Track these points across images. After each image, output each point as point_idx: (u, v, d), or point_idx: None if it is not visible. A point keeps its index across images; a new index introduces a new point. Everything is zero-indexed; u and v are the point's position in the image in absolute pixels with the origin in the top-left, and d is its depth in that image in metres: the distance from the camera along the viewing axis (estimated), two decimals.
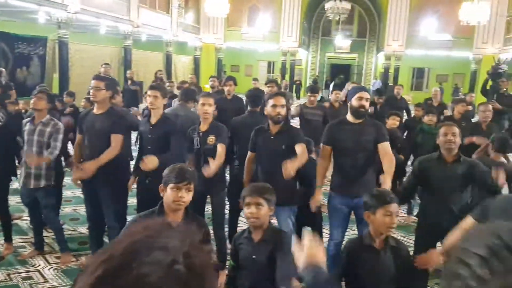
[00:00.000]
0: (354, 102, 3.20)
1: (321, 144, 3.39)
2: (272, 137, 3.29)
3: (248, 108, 4.32)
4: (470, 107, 6.56)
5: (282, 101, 3.25)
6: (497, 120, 6.55)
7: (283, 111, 3.23)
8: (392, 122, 4.94)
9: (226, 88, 5.15)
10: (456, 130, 3.12)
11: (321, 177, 3.37)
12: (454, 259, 0.62)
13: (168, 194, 2.19)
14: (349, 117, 3.28)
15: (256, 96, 4.30)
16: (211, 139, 3.50)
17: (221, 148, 3.46)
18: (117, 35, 15.72)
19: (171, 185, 2.18)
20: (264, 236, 2.24)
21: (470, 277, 0.57)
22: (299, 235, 3.92)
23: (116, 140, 3.47)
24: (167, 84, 8.83)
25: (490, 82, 8.73)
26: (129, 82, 10.07)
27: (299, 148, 3.21)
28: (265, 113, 3.33)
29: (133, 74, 10.79)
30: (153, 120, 3.55)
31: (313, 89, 5.84)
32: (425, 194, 3.31)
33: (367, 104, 3.24)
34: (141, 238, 0.59)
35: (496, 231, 0.60)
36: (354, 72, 26.33)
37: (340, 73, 24.92)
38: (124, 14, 14.97)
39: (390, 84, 18.74)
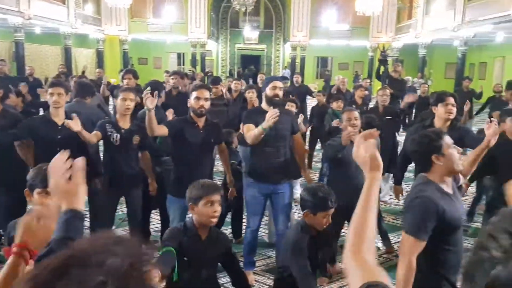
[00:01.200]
0: (268, 91, 3.26)
1: (245, 125, 3.32)
2: (201, 131, 3.23)
3: None
4: (366, 92, 7.05)
5: (206, 94, 3.20)
6: (394, 104, 7.17)
7: (206, 104, 3.18)
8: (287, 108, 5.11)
9: (124, 81, 4.82)
10: (357, 114, 3.38)
11: (258, 129, 3.09)
12: (484, 233, 0.70)
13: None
14: (265, 106, 3.33)
15: (154, 89, 4.15)
16: (136, 139, 3.39)
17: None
18: (7, 28, 14.23)
19: None
20: (210, 233, 2.23)
21: (496, 248, 0.65)
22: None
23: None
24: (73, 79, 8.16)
25: (382, 68, 9.46)
26: (31, 79, 9.08)
27: (223, 146, 3.39)
28: (188, 105, 3.24)
29: (33, 69, 9.77)
30: (59, 120, 3.30)
31: (215, 81, 5.84)
32: (336, 177, 3.50)
33: (281, 92, 3.32)
34: (79, 252, 0.54)
35: None
36: (264, 62, 26.92)
37: (250, 63, 25.38)
38: (13, 5, 13.58)
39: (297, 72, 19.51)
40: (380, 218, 4.02)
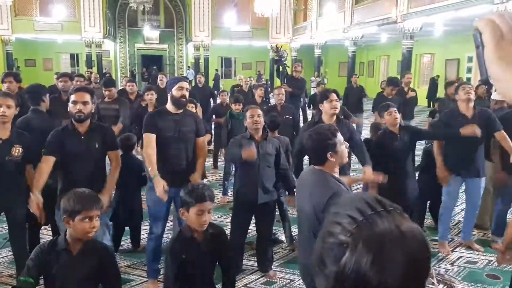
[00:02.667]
0: (175, 92, 3.17)
1: (144, 134, 3.19)
2: (82, 138, 2.96)
3: (31, 107, 3.74)
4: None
5: (85, 97, 2.93)
6: (294, 102, 7.43)
7: (86, 108, 2.91)
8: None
9: (5, 86, 4.31)
10: (260, 112, 3.44)
11: (153, 165, 3.11)
12: (327, 222, 0.72)
13: None
14: (170, 107, 3.22)
15: (35, 92, 3.75)
16: (16, 150, 2.97)
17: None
18: None
19: None
20: (83, 247, 2.02)
21: (341, 233, 0.67)
22: (119, 235, 3.84)
23: None
24: None
25: (281, 68, 9.82)
26: None
27: (114, 154, 3.15)
28: (68, 109, 2.96)
29: None
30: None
31: (108, 83, 5.48)
32: (240, 174, 3.52)
33: (187, 93, 3.25)
34: None
35: (363, 197, 0.73)
36: (167, 62, 26.29)
37: (152, 64, 24.58)
38: None
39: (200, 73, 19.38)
40: (285, 212, 4.12)
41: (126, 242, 4.10)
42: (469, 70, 16.49)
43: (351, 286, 0.65)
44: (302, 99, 9.92)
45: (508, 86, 0.62)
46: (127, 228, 4.04)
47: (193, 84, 11.02)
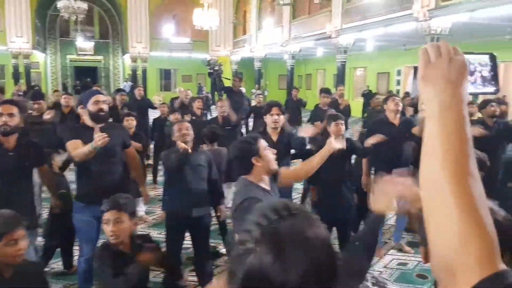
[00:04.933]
0: (91, 107, 3.03)
1: (68, 142, 3.01)
2: (10, 153, 2.76)
3: None
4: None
5: (12, 109, 2.76)
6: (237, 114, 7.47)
7: (11, 120, 2.74)
8: (127, 123, 4.91)
9: None
10: (188, 125, 3.42)
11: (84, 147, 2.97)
12: (238, 230, 0.81)
13: None
14: (89, 122, 3.06)
15: None
16: None
17: None
18: None
19: None
20: (16, 270, 1.86)
21: (250, 241, 0.72)
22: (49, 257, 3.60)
23: None
24: None
25: (217, 80, 9.87)
26: None
27: (43, 168, 3.02)
28: None
29: None
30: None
31: (35, 96, 5.26)
32: (172, 187, 3.45)
33: (105, 106, 3.11)
34: None
35: (272, 203, 0.78)
36: (102, 74, 25.36)
37: (86, 76, 23.59)
38: None
39: (139, 85, 18.91)
40: (224, 224, 4.09)
41: (58, 264, 3.86)
42: (398, 82, 17.58)
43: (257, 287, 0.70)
44: (244, 112, 10.01)
45: (425, 100, 0.71)
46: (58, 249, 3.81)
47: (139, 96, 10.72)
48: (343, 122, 3.97)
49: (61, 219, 3.62)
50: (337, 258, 0.75)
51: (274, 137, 3.72)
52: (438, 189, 0.63)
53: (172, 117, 5.51)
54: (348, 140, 4.08)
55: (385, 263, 4.13)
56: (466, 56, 0.75)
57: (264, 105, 4.31)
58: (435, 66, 0.71)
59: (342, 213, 3.80)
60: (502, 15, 8.16)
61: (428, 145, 0.67)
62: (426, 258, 0.98)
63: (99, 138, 2.72)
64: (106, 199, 2.23)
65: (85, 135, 2.99)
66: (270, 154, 2.24)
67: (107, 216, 2.15)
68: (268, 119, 3.70)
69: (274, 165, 2.25)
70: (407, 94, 13.16)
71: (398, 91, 16.17)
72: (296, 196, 5.59)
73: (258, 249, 0.70)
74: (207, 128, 4.25)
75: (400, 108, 4.28)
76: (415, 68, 16.12)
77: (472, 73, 0.79)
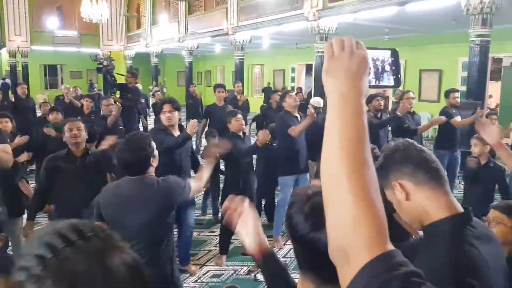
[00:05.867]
0: None
1: None
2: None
3: None
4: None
5: None
6: (128, 113, 7.07)
7: None
8: (1, 125, 4.40)
9: None
10: (81, 125, 3.13)
11: None
12: (14, 269, 0.59)
13: None
14: None
15: None
16: None
17: None
18: None
19: None
20: None
21: (27, 279, 0.56)
22: None
23: None
24: None
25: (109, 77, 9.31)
26: None
27: None
28: None
29: None
30: None
31: None
32: (59, 195, 3.12)
33: None
34: None
35: (57, 227, 0.61)
36: None
37: None
38: None
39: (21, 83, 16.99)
40: None
41: None
42: (292, 79, 18.41)
43: None
44: (142, 109, 9.60)
45: (327, 91, 0.74)
46: None
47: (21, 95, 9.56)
48: (242, 117, 4.16)
49: None
50: (149, 282, 0.64)
51: (176, 134, 3.67)
52: (335, 176, 0.66)
53: (51, 117, 5.02)
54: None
55: (284, 253, 4.27)
56: (370, 51, 0.78)
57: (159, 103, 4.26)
58: (337, 59, 0.74)
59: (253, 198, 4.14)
60: (381, 17, 8.97)
61: (327, 134, 0.70)
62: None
63: None
64: None
65: None
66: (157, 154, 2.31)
67: None
68: (162, 117, 3.65)
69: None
70: (299, 89, 13.86)
71: (293, 88, 16.93)
72: None
73: None
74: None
75: (298, 102, 4.58)
76: (307, 66, 17.05)
77: (375, 67, 0.81)
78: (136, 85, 8.77)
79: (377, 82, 0.82)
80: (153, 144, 2.25)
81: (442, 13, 8.33)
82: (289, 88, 16.54)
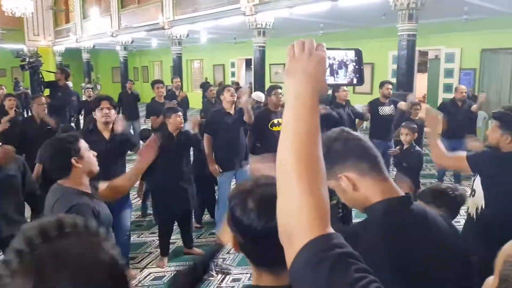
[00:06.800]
0: None
1: None
2: None
3: None
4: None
5: None
6: (58, 112, 6.66)
7: None
8: None
9: None
10: None
11: None
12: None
13: None
14: None
15: None
16: None
17: None
18: None
19: None
20: None
21: (5, 272, 0.58)
22: None
23: None
24: None
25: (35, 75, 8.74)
26: None
27: None
28: None
29: None
30: None
31: None
32: None
33: None
34: None
35: (40, 223, 0.62)
36: None
37: None
38: None
39: None
40: None
41: None
42: (233, 74, 18.36)
43: None
44: (74, 108, 9.12)
45: (286, 91, 0.80)
46: None
47: None
48: (180, 114, 4.00)
49: None
50: (128, 282, 0.65)
51: (107, 135, 3.45)
52: (286, 168, 0.72)
53: None
54: (184, 133, 4.05)
55: (227, 249, 4.23)
56: (333, 51, 0.84)
57: (92, 100, 4.01)
58: (297, 60, 0.79)
59: (181, 208, 4.00)
60: (316, 12, 9.17)
61: (283, 129, 0.76)
62: (236, 247, 1.02)
63: None
64: None
65: None
66: (92, 157, 2.12)
67: None
68: (97, 114, 3.40)
69: (95, 167, 2.12)
70: (237, 84, 13.85)
71: (233, 82, 16.90)
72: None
73: (15, 284, 0.57)
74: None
75: (234, 98, 4.46)
76: (247, 60, 17.07)
77: (338, 67, 0.85)
78: (67, 82, 8.28)
79: (341, 80, 0.86)
80: (81, 144, 2.07)
81: (373, 9, 8.68)
82: (229, 83, 16.47)
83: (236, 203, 0.98)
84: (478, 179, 2.50)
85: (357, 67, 0.86)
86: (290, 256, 0.68)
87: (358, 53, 0.87)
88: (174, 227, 4.26)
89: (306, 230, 0.67)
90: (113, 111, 3.44)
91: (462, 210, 2.48)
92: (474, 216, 2.51)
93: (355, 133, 1.23)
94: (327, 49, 0.82)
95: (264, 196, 0.94)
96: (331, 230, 0.68)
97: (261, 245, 0.96)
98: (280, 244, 0.72)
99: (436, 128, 2.41)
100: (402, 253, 1.02)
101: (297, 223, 0.68)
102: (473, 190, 2.56)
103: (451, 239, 1.17)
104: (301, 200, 0.69)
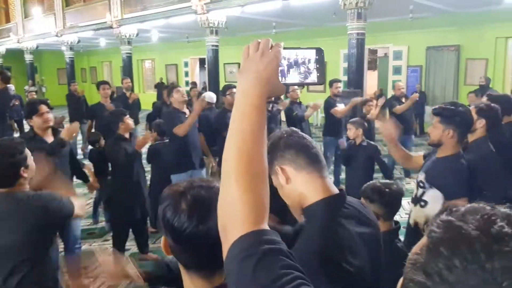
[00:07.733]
0: None
1: None
2: None
3: None
4: None
5: None
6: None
7: None
8: None
9: None
10: None
11: None
12: None
13: None
14: None
15: None
16: None
17: None
18: None
19: None
20: None
21: None
22: None
23: None
24: None
25: None
26: None
27: None
28: None
29: None
30: None
31: None
32: None
33: None
34: None
35: None
36: None
37: None
38: None
39: None
40: None
41: None
42: (186, 74, 18.07)
43: None
44: (17, 112, 8.72)
45: (236, 89, 0.80)
46: None
47: None
48: (128, 117, 3.90)
49: None
50: None
51: (49, 139, 3.28)
52: (229, 165, 0.74)
53: None
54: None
55: None
56: (294, 50, 0.84)
57: (25, 106, 3.82)
58: (250, 60, 0.80)
59: (139, 212, 3.94)
60: (268, 10, 9.18)
61: (230, 127, 0.77)
62: (167, 250, 0.99)
63: None
64: None
65: None
66: (33, 164, 2.05)
67: None
68: (37, 120, 3.24)
69: (37, 176, 2.07)
70: (193, 84, 13.64)
71: (187, 82, 16.64)
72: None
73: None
74: None
75: (185, 98, 4.46)
76: (201, 60, 16.86)
77: (299, 66, 0.86)
78: (8, 85, 7.77)
79: (302, 79, 0.86)
80: (27, 152, 1.99)
81: (323, 8, 8.82)
82: (182, 83, 16.21)
83: (168, 204, 0.95)
84: (432, 191, 2.33)
85: (318, 66, 0.87)
86: (225, 250, 0.70)
87: (319, 52, 0.88)
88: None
89: (240, 225, 0.69)
90: (50, 115, 3.31)
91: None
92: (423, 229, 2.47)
93: (302, 133, 1.25)
94: (288, 48, 0.83)
95: (197, 198, 0.93)
96: (265, 227, 0.70)
97: (192, 247, 0.93)
98: (211, 247, 0.74)
99: (392, 134, 2.47)
100: (337, 261, 1.05)
101: (232, 218, 0.70)
102: (423, 201, 2.38)
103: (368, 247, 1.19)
104: (237, 196, 0.71)
